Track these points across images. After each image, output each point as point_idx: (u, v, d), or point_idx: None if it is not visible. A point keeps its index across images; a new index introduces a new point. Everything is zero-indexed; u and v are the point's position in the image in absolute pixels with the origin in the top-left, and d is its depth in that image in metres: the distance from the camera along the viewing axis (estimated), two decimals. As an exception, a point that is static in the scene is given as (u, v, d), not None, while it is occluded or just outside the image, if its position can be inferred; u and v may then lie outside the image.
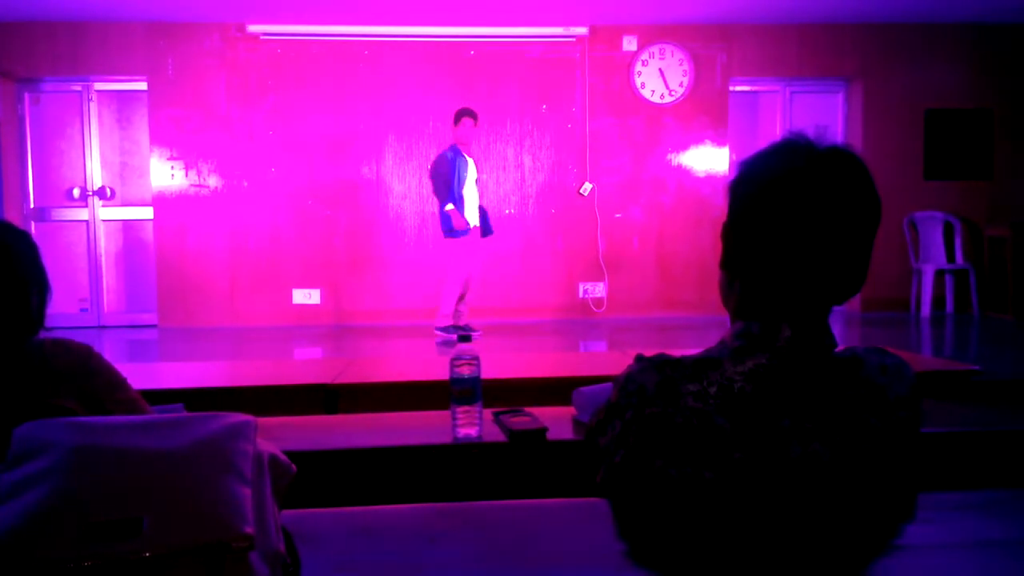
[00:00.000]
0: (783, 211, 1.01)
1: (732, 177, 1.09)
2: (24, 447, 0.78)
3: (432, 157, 6.33)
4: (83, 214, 7.18)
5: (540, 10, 6.72)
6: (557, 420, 1.70)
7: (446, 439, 1.61)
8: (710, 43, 7.22)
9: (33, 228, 7.06)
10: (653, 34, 7.16)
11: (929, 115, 7.37)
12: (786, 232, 1.01)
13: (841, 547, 0.98)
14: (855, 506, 1.00)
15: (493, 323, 6.60)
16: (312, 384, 2.46)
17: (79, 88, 7.13)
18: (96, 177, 7.19)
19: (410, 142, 6.99)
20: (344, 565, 0.86)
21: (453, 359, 1.61)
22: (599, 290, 7.20)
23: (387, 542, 0.91)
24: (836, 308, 1.08)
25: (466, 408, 1.60)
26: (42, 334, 1.50)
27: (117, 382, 1.48)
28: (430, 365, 3.40)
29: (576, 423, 1.72)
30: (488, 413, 1.71)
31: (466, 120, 5.94)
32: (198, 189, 7.00)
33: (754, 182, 1.05)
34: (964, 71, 7.36)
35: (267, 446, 0.88)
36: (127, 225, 7.24)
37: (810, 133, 1.04)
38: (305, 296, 7.06)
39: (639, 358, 1.08)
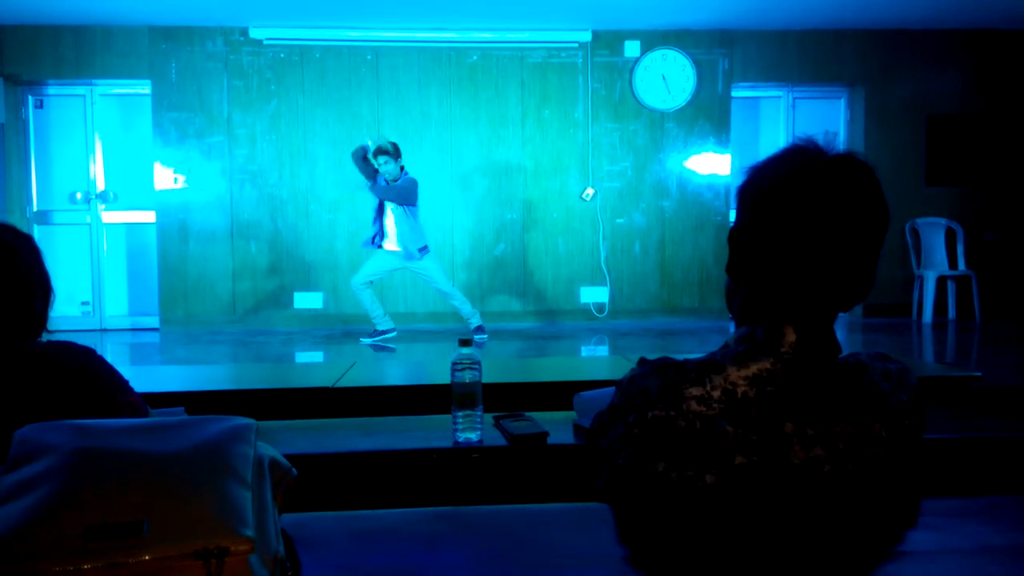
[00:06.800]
0: (792, 216, 1.00)
1: (740, 181, 1.08)
2: (24, 449, 0.78)
3: (411, 174, 6.07)
4: (86, 217, 7.19)
5: (543, 15, 6.73)
6: (558, 424, 1.70)
7: (447, 443, 1.61)
8: (712, 49, 7.22)
9: (36, 231, 7.07)
10: (655, 39, 7.17)
11: (931, 121, 7.37)
12: (794, 237, 1.00)
13: (843, 553, 0.98)
14: (857, 512, 0.99)
15: (494, 328, 6.59)
16: (313, 387, 2.46)
17: (82, 91, 7.15)
18: (99, 180, 7.20)
19: (412, 146, 7.00)
20: (344, 569, 0.86)
21: (454, 363, 1.61)
22: (601, 295, 7.20)
23: (387, 546, 0.91)
24: (839, 314, 1.08)
25: (467, 412, 1.60)
26: (44, 336, 1.50)
27: (118, 385, 1.48)
28: (431, 369, 3.40)
29: (577, 427, 1.72)
30: (489, 417, 1.71)
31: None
32: (200, 193, 7.00)
33: (763, 187, 1.04)
34: (966, 77, 7.36)
35: (268, 449, 0.88)
36: (129, 228, 7.25)
37: (818, 138, 1.03)
38: (307, 300, 7.06)
39: (642, 361, 1.07)
